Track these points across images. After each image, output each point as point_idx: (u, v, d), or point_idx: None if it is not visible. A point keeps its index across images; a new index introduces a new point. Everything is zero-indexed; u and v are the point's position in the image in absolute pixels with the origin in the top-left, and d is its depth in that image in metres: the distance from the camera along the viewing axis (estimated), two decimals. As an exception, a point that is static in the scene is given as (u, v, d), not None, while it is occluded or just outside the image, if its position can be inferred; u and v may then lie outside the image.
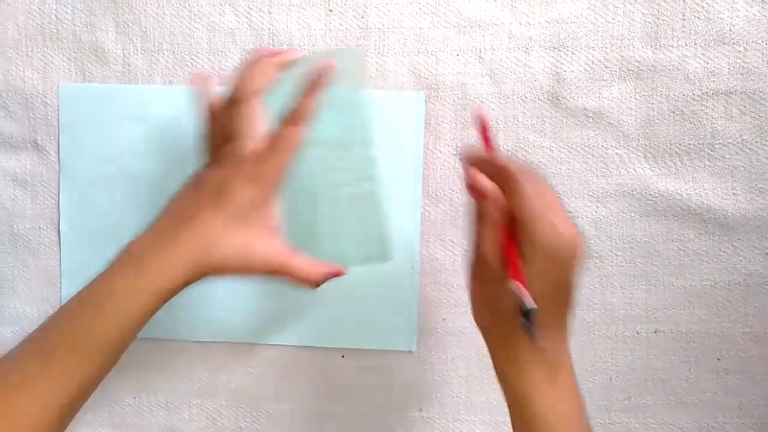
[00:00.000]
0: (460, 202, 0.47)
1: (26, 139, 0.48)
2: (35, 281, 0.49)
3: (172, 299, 0.36)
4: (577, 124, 0.46)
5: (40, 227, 0.48)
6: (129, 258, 0.37)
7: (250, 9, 0.47)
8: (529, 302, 0.32)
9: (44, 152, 0.48)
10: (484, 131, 0.37)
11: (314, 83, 0.37)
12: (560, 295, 0.35)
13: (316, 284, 0.39)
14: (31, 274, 0.49)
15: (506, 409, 0.36)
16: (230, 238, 0.37)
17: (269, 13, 0.46)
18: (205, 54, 0.47)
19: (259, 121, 0.38)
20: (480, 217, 0.35)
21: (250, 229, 0.37)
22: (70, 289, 0.47)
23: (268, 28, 0.47)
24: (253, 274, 0.38)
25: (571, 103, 0.46)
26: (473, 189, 0.35)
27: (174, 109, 0.47)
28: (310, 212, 0.42)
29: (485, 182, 0.34)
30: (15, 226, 0.49)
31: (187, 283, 0.37)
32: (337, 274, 0.39)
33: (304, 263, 0.38)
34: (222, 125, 0.39)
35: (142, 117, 0.47)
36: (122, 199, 0.47)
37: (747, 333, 0.47)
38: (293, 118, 0.37)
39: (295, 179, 0.40)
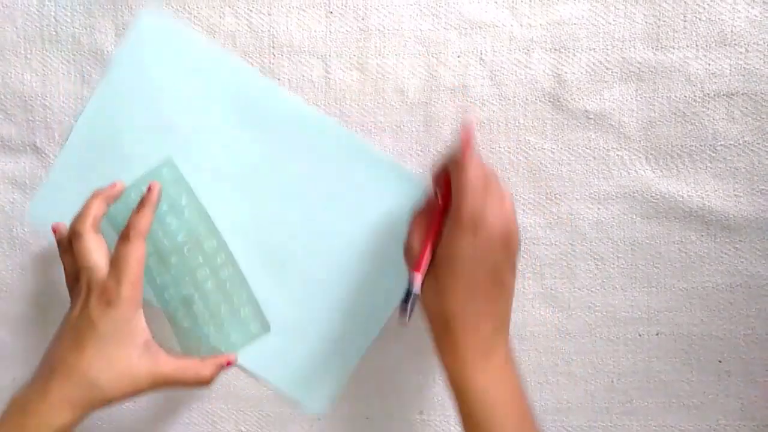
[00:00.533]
0: None
1: (25, 141, 0.48)
2: (33, 284, 0.49)
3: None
4: (578, 125, 0.46)
5: (38, 230, 0.48)
6: (15, 410, 0.39)
7: (250, 11, 0.46)
8: (417, 287, 0.38)
9: (43, 155, 0.48)
10: (466, 139, 0.39)
11: (141, 202, 0.42)
12: (487, 282, 0.37)
13: (209, 381, 0.42)
14: (29, 278, 0.49)
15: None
16: (101, 369, 0.39)
17: (269, 15, 0.46)
18: (204, 56, 0.47)
19: (98, 251, 0.41)
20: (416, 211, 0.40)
21: (119, 352, 0.39)
22: None
23: (268, 30, 0.46)
24: (142, 393, 0.40)
25: (572, 104, 0.46)
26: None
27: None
28: (188, 314, 0.46)
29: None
30: (14, 230, 0.48)
31: (76, 423, 0.39)
32: (228, 365, 0.43)
33: (187, 366, 0.41)
34: (67, 265, 0.42)
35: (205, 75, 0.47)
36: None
37: (749, 335, 0.47)
38: (126, 234, 0.41)
39: (164, 288, 0.45)
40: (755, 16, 0.45)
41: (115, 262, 0.40)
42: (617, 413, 0.48)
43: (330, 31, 0.46)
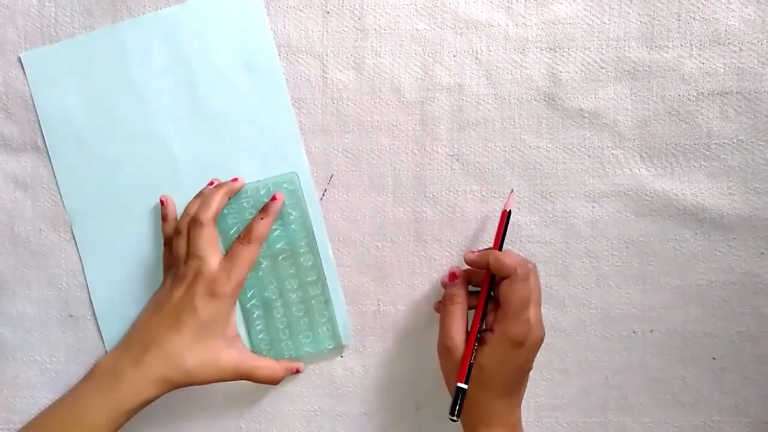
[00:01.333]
0: (456, 203, 0.47)
1: (27, 141, 0.48)
2: (36, 282, 0.49)
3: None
4: (573, 124, 0.47)
5: (40, 228, 0.49)
6: (101, 377, 0.42)
7: (248, 11, 0.47)
8: (464, 384, 0.41)
9: (45, 154, 0.48)
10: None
11: (266, 209, 0.45)
12: (517, 376, 0.41)
13: (278, 382, 0.46)
14: (31, 276, 0.49)
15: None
16: (194, 353, 0.42)
17: (267, 15, 0.47)
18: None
19: (214, 244, 0.43)
20: (450, 300, 0.43)
21: (212, 342, 0.43)
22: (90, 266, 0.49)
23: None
24: (220, 380, 0.43)
25: (567, 103, 0.46)
26: (452, 274, 0.43)
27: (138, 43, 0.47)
28: (265, 317, 0.47)
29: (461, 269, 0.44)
30: (15, 228, 0.49)
31: (155, 398, 0.42)
32: (296, 371, 0.47)
33: (265, 365, 0.45)
34: (178, 248, 0.44)
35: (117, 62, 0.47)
36: (114, 152, 0.48)
37: (743, 332, 0.47)
38: (248, 237, 0.44)
39: (248, 286, 0.46)
40: (749, 15, 0.45)
41: (230, 258, 0.43)
42: (612, 410, 0.48)
43: (327, 31, 0.47)
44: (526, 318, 0.39)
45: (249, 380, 0.44)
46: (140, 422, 0.50)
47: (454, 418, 0.41)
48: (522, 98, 0.47)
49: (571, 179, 0.47)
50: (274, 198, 0.45)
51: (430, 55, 0.47)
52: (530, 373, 0.42)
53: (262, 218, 0.44)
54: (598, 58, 0.46)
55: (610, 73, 0.46)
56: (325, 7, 0.46)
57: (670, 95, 0.46)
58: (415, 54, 0.47)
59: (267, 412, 0.49)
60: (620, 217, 0.47)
